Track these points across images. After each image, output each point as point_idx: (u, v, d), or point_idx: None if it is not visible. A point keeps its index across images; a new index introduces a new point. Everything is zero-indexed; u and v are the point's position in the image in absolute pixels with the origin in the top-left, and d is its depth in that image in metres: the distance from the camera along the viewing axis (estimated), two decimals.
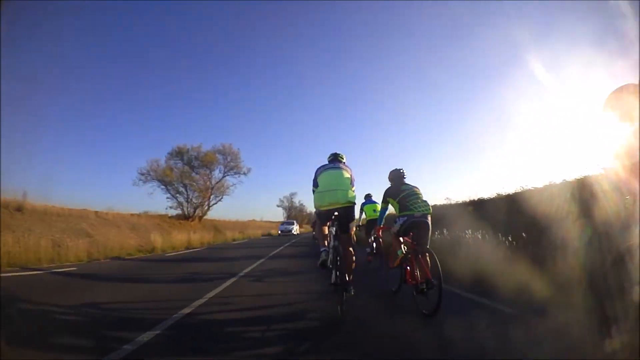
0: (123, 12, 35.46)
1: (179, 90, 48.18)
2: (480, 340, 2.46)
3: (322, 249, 3.35)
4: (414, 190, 3.67)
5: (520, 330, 2.60)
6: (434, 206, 4.75)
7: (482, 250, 4.96)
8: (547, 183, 6.11)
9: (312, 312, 3.46)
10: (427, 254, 3.33)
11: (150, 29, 42.59)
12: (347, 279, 3.15)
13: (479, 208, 7.34)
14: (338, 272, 3.12)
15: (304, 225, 65.72)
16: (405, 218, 3.53)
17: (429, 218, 3.52)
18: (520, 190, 6.81)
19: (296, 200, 69.45)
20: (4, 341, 2.11)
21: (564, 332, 2.50)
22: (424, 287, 3.17)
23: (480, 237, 5.63)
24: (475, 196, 8.91)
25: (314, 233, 14.79)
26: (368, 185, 61.68)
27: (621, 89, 1.68)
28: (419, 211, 3.50)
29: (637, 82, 1.64)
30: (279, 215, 66.40)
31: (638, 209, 1.60)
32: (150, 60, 43.45)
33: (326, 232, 3.46)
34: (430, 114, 62.87)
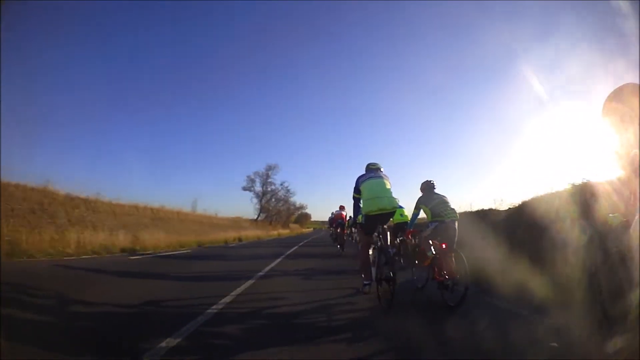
0: None
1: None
2: (480, 339, 2.46)
3: (365, 282, 3.84)
4: (443, 199, 4.22)
5: (520, 329, 2.60)
6: None
7: (483, 252, 4.98)
8: (548, 191, 6.10)
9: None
10: (453, 255, 3.80)
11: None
12: (392, 270, 3.45)
13: (482, 217, 7.38)
14: (385, 268, 3.54)
15: (290, 226, 49.71)
16: (437, 223, 4.07)
17: (456, 223, 4.08)
18: (521, 203, 6.87)
19: (277, 180, 42.00)
20: (4, 340, 2.10)
21: (564, 332, 2.50)
22: (450, 283, 3.63)
23: (482, 240, 5.66)
24: (478, 206, 9.00)
25: (330, 233, 15.39)
26: None
27: (621, 89, 1.68)
28: (449, 217, 4.06)
29: (637, 82, 1.63)
30: (247, 207, 44.39)
31: (638, 209, 1.60)
32: None
33: (370, 256, 3.92)
34: (430, 118, 62.37)
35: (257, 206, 40.83)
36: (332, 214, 14.60)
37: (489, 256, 4.92)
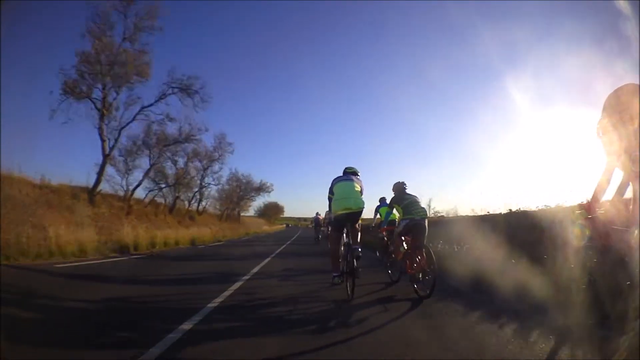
0: None
1: None
2: (480, 339, 2.46)
3: (334, 274, 4.23)
4: (414, 199, 4.53)
5: (520, 330, 2.60)
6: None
7: (483, 253, 5.01)
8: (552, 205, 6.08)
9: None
10: (423, 250, 4.11)
11: None
12: (356, 266, 3.78)
13: (484, 221, 7.41)
14: (347, 263, 3.89)
15: (242, 220, 31.97)
16: (408, 220, 4.34)
17: (426, 221, 4.35)
18: (524, 210, 6.90)
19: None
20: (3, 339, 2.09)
21: (564, 332, 2.51)
22: (420, 276, 4.01)
23: (482, 242, 5.70)
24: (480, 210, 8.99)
25: (313, 228, 16.57)
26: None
27: (621, 89, 1.68)
28: (419, 215, 4.33)
29: (637, 82, 1.64)
30: None
31: (638, 210, 1.60)
32: None
33: (340, 250, 4.24)
34: (427, 117, 61.69)
35: (150, 173, 17.24)
36: (317, 214, 16.05)
37: (489, 256, 4.94)
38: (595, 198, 1.84)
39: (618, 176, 1.92)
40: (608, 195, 1.96)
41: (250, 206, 35.13)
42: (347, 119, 74.13)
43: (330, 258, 4.42)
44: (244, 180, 29.53)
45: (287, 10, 49.47)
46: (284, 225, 53.53)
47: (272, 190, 33.04)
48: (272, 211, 48.96)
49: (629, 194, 1.90)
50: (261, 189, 31.74)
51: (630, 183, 1.77)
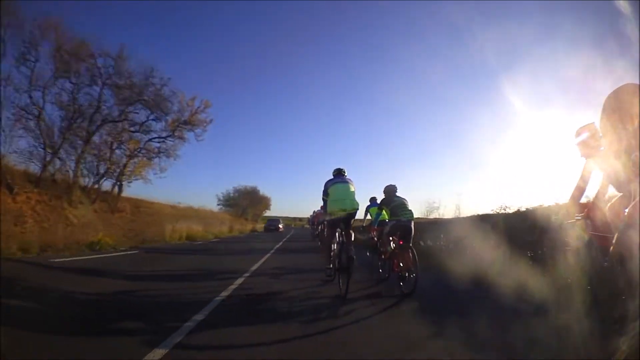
0: None
1: None
2: (480, 339, 2.46)
3: (327, 267, 4.60)
4: (402, 201, 4.83)
5: (520, 330, 2.60)
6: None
7: (483, 253, 5.03)
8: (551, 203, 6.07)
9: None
10: (409, 250, 4.31)
11: None
12: (349, 264, 4.00)
13: (483, 221, 7.42)
14: (340, 261, 4.13)
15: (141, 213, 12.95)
16: (395, 222, 4.68)
17: (412, 223, 4.67)
18: (523, 209, 6.93)
19: None
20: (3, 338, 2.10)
21: (564, 332, 2.50)
22: (406, 274, 4.25)
23: (480, 242, 5.71)
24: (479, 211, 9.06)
25: (312, 231, 17.29)
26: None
27: (621, 89, 1.69)
28: (405, 217, 4.64)
29: (637, 82, 1.64)
30: None
31: (638, 209, 1.61)
32: None
33: (333, 247, 4.59)
34: (425, 117, 61.67)
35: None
36: (314, 212, 16.78)
37: (489, 256, 4.95)
38: (573, 200, 1.85)
39: (597, 179, 1.94)
40: (589, 194, 1.98)
41: (147, 168, 14.88)
42: (346, 121, 74.54)
43: (323, 252, 4.86)
44: (101, 65, 11.99)
45: (285, 10, 49.48)
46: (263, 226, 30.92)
47: (212, 120, 16.06)
48: (245, 202, 30.41)
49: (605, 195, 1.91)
50: (162, 105, 13.38)
51: (629, 183, 1.77)
